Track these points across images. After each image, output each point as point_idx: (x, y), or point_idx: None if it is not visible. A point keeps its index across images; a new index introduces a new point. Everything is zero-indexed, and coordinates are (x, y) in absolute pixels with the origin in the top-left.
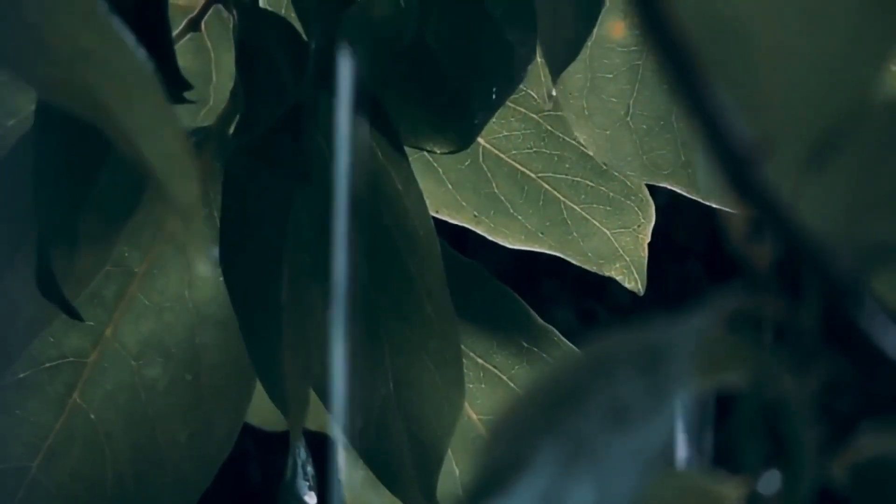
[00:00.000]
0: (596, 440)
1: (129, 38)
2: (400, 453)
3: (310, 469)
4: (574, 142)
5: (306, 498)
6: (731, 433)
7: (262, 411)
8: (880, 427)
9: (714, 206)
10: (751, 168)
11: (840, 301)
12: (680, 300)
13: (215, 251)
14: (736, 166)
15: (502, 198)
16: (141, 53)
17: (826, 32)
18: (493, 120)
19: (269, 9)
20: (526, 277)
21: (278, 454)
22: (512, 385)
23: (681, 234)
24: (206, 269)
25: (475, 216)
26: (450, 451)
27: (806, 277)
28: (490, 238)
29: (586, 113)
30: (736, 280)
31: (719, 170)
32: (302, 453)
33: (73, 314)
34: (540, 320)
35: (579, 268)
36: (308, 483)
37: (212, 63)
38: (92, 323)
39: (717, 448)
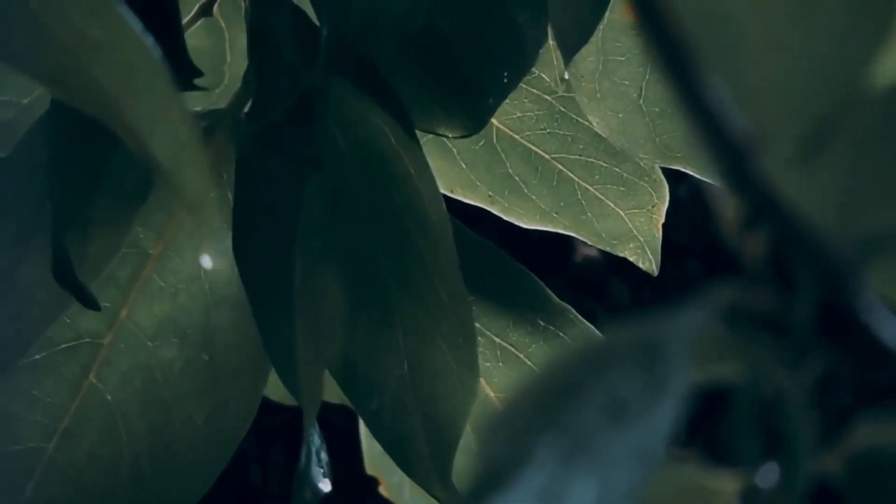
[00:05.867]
0: (594, 435)
1: (136, 26)
2: (414, 435)
3: (324, 455)
4: (587, 123)
5: (321, 485)
6: (728, 427)
7: (280, 387)
8: (877, 419)
9: (721, 189)
10: (747, 159)
11: (836, 292)
12: (679, 300)
13: (229, 234)
14: (732, 157)
15: (516, 178)
16: (149, 42)
17: (819, 22)
18: (507, 101)
19: None
20: None
21: (278, 454)
22: (529, 363)
23: (681, 234)
24: (218, 255)
25: (490, 196)
26: (468, 429)
27: (802, 268)
28: (505, 218)
29: (598, 96)
30: (734, 277)
31: (716, 161)
32: (316, 440)
33: (90, 303)
34: (556, 298)
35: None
36: (322, 470)
37: (226, 42)
38: (107, 304)
39: (714, 442)
